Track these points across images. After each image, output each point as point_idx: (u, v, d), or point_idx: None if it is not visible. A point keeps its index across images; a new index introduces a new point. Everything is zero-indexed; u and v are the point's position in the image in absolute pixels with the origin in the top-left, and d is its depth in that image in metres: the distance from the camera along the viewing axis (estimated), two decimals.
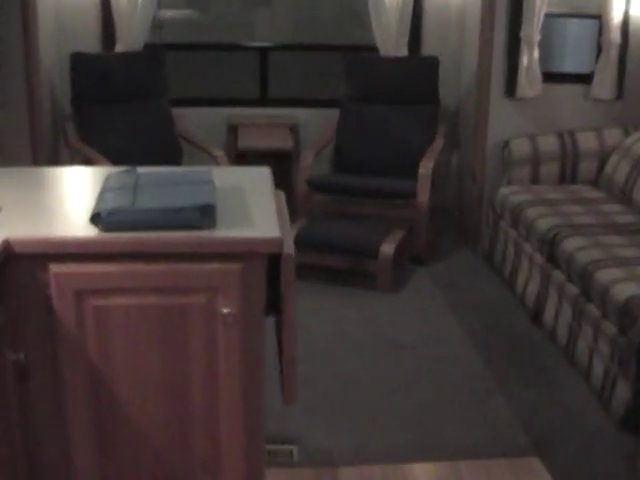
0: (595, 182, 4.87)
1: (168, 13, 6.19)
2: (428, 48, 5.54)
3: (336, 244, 4.55)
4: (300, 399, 2.21)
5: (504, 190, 4.78)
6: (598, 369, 3.49)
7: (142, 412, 2.08)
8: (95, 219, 2.00)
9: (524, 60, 4.78)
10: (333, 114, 5.39)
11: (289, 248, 2.03)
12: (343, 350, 3.82)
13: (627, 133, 4.86)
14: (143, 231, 1.97)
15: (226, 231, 2.03)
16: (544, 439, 3.13)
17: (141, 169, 2.38)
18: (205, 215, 2.00)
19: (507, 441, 3.10)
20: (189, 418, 2.10)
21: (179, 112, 5.30)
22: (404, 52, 5.44)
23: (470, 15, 5.29)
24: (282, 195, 2.44)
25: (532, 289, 4.25)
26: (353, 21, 6.75)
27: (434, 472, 2.85)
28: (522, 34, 4.74)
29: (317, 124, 5.50)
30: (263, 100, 5.81)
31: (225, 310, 2.01)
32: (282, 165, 5.12)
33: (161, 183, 2.21)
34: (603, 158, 4.86)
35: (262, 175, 2.53)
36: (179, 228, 1.99)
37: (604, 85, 4.90)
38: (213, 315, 2.02)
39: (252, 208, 2.19)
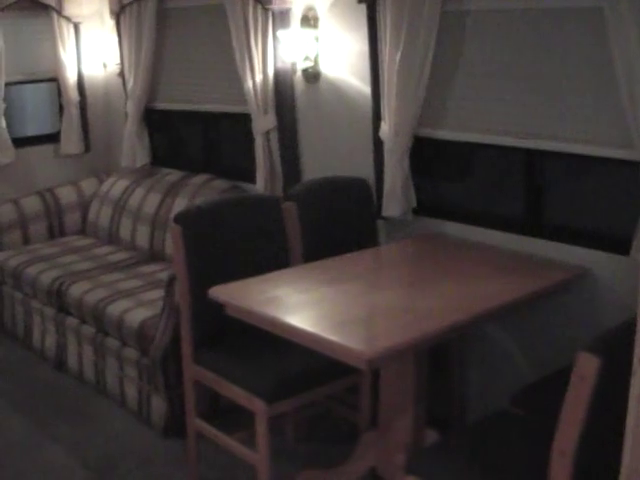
0: (82, 231, 5.20)
1: None
2: None
3: None
4: None
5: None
6: (131, 392, 3.83)
7: None
8: None
9: None
10: None
11: None
12: None
13: (101, 181, 5.28)
14: None
15: None
16: (102, 467, 3.40)
17: None
18: None
19: None
20: None
21: None
22: None
23: None
24: None
25: (50, 341, 4.41)
26: None
27: None
28: None
29: None
30: None
31: None
32: None
33: None
34: (85, 207, 5.21)
35: None
36: None
37: (72, 141, 5.25)
38: None
39: None
